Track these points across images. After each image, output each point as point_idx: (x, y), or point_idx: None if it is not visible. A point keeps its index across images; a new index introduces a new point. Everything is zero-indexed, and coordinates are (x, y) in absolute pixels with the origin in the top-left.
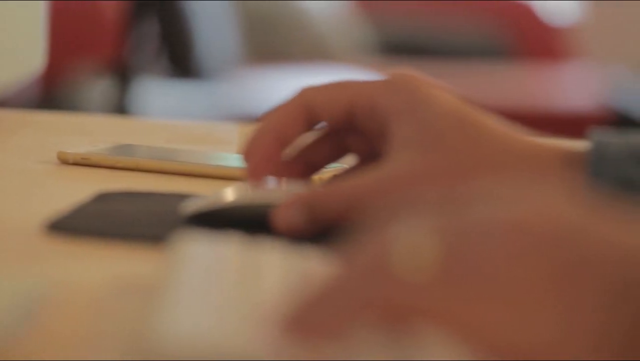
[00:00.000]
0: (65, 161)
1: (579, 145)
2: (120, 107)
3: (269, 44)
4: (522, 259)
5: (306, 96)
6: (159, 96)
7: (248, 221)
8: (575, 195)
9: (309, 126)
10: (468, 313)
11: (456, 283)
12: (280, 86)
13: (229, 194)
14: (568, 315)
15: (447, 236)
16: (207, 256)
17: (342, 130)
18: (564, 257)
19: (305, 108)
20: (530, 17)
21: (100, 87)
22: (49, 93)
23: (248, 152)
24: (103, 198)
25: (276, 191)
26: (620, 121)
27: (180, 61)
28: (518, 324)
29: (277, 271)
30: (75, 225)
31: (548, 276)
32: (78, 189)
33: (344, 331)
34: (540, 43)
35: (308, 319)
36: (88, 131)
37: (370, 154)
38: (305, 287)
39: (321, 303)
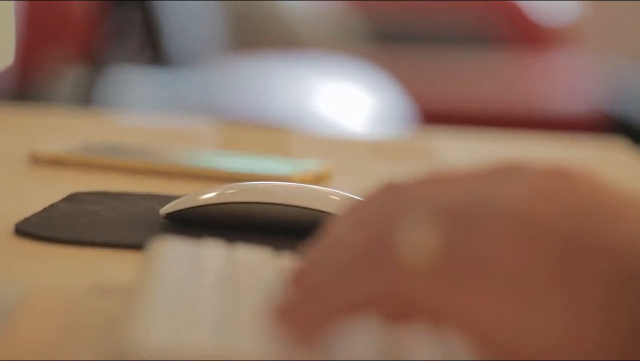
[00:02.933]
0: (38, 161)
1: None
2: (96, 97)
3: (251, 32)
4: (525, 250)
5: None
6: (137, 85)
7: (226, 220)
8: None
9: None
10: (468, 308)
11: (457, 277)
12: (262, 74)
13: (207, 193)
14: (573, 309)
15: (450, 226)
16: (184, 260)
17: None
18: (567, 248)
19: None
20: (520, 12)
21: (74, 77)
22: (22, 84)
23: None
24: (74, 199)
25: (257, 188)
26: (616, 125)
27: (159, 49)
28: (521, 322)
29: (255, 275)
30: (44, 229)
31: (551, 268)
32: (51, 190)
33: (340, 324)
34: (532, 38)
35: (305, 306)
36: (62, 128)
37: None
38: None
39: (316, 293)
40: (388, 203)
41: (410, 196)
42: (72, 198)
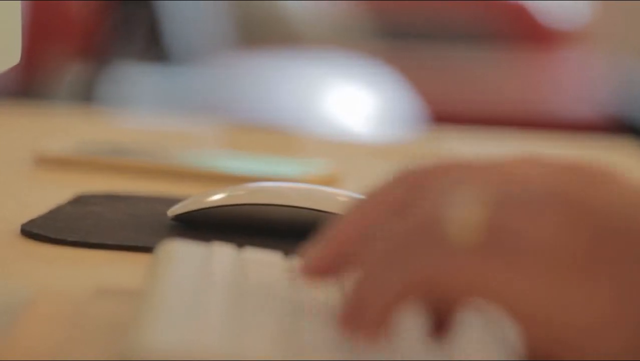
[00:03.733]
0: (43, 161)
1: None
2: (99, 95)
3: (256, 29)
4: (566, 228)
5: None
6: (140, 83)
7: (234, 222)
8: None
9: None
10: (509, 284)
11: (500, 253)
12: (267, 73)
13: (215, 195)
14: (612, 286)
15: (493, 205)
16: (192, 262)
17: None
18: (606, 228)
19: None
20: (529, 12)
21: (77, 75)
22: (25, 82)
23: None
24: (80, 201)
25: (266, 190)
26: (624, 126)
27: (163, 47)
28: (562, 297)
29: (264, 278)
30: (50, 230)
31: (591, 245)
32: (56, 191)
33: (393, 314)
34: (541, 39)
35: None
36: (66, 128)
37: None
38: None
39: (371, 284)
40: (426, 185)
41: (452, 178)
42: (78, 200)
